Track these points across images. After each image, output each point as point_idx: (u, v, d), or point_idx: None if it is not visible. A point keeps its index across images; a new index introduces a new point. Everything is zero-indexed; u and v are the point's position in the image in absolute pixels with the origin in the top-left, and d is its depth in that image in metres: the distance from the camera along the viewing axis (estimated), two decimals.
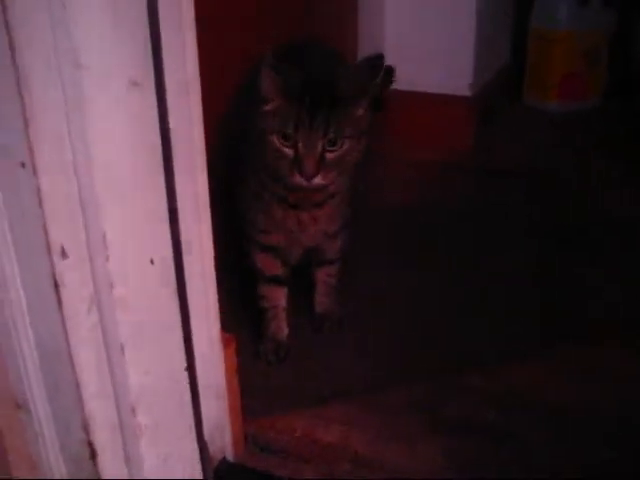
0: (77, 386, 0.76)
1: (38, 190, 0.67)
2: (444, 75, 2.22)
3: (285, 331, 1.37)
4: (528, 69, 2.60)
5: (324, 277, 1.42)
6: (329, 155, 1.09)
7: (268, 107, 1.09)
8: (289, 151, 1.09)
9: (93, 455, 0.79)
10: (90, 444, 0.79)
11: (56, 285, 0.71)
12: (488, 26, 2.27)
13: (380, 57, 1.16)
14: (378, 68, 1.13)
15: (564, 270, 1.60)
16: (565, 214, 1.85)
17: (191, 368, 0.91)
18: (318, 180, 1.10)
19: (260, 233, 1.28)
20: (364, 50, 2.08)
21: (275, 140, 1.09)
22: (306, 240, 1.31)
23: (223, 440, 1.07)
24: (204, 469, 1.00)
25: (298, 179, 1.09)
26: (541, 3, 2.50)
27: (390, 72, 2.16)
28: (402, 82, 2.26)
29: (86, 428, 0.78)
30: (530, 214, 1.86)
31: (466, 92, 2.22)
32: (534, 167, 2.12)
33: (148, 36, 0.73)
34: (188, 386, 0.91)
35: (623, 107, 2.48)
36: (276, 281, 1.35)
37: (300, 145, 1.08)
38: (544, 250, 1.69)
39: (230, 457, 1.10)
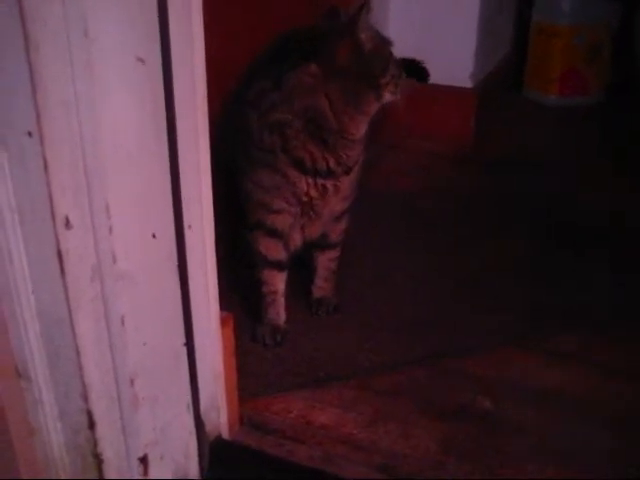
0: (77, 355, 0.77)
1: (44, 159, 0.68)
2: (445, 66, 2.23)
3: (283, 316, 1.38)
4: (529, 62, 2.61)
5: (325, 262, 1.43)
6: None
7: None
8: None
9: (91, 424, 0.81)
10: (89, 413, 0.80)
11: (60, 255, 0.72)
12: (490, 18, 2.27)
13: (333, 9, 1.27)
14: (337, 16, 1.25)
15: (560, 259, 1.62)
16: (559, 205, 1.86)
17: (189, 344, 0.93)
18: None
19: (271, 214, 1.29)
20: None
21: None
22: (319, 222, 1.34)
23: (219, 418, 1.08)
24: (200, 445, 1.01)
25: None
26: None
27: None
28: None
29: (85, 397, 0.79)
30: (527, 204, 1.87)
31: (467, 83, 2.23)
32: (532, 159, 2.13)
33: (156, 15, 0.74)
34: (186, 361, 0.92)
35: (626, 103, 2.48)
36: (277, 266, 1.35)
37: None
38: (540, 238, 1.71)
39: (225, 435, 1.11)
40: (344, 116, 1.20)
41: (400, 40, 2.20)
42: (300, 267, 1.44)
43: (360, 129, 1.24)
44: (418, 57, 2.21)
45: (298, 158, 1.23)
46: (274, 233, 1.32)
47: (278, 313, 1.37)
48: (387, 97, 1.23)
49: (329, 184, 1.27)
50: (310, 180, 1.25)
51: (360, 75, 1.19)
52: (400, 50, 2.19)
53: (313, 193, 1.27)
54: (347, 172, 1.28)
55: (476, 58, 2.22)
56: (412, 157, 2.10)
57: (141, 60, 0.75)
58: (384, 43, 1.24)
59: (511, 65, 2.64)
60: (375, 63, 1.20)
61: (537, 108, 2.56)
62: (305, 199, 1.27)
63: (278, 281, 1.36)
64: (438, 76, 2.22)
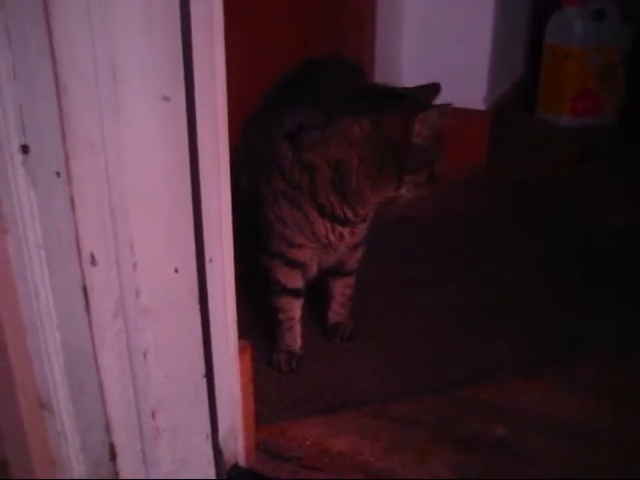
0: (100, 388, 0.78)
1: (71, 198, 0.70)
2: (458, 88, 2.22)
3: (299, 342, 1.39)
4: (542, 84, 2.62)
5: (342, 288, 1.44)
6: None
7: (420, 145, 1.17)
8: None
9: (113, 456, 0.81)
10: (111, 445, 0.81)
11: (85, 290, 0.73)
12: (503, 40, 2.29)
13: (437, 85, 1.26)
14: (434, 94, 1.25)
15: (574, 281, 1.62)
16: (574, 228, 1.86)
17: (209, 374, 0.93)
18: None
19: (290, 247, 1.30)
20: (381, 63, 2.10)
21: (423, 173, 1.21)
22: (332, 256, 1.35)
23: (236, 446, 1.09)
24: (218, 473, 1.02)
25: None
26: (556, 18, 2.52)
27: None
28: None
29: (107, 429, 0.80)
30: (541, 227, 1.88)
31: (480, 106, 2.24)
32: (546, 181, 2.14)
33: (181, 55, 0.75)
34: (206, 391, 0.93)
35: (639, 124, 2.48)
36: (295, 293, 1.36)
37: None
38: (554, 261, 1.71)
39: (242, 463, 1.11)
40: (365, 183, 1.19)
41: (413, 63, 2.25)
42: (315, 292, 1.45)
43: (375, 201, 1.24)
44: (431, 79, 2.24)
45: (320, 202, 1.23)
46: (294, 264, 1.33)
47: (294, 339, 1.38)
48: (403, 191, 1.21)
49: (345, 232, 1.28)
50: (328, 224, 1.26)
51: (394, 158, 1.17)
52: (414, 73, 2.24)
53: (330, 237, 1.28)
54: (363, 221, 1.30)
55: (489, 80, 2.24)
56: None
57: (166, 98, 0.77)
58: (431, 149, 1.20)
59: (524, 87, 2.65)
60: (412, 158, 1.18)
61: (550, 129, 2.56)
62: (324, 240, 1.29)
63: (295, 308, 1.37)
64: (451, 98, 2.23)
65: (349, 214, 1.25)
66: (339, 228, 1.27)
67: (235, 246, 0.97)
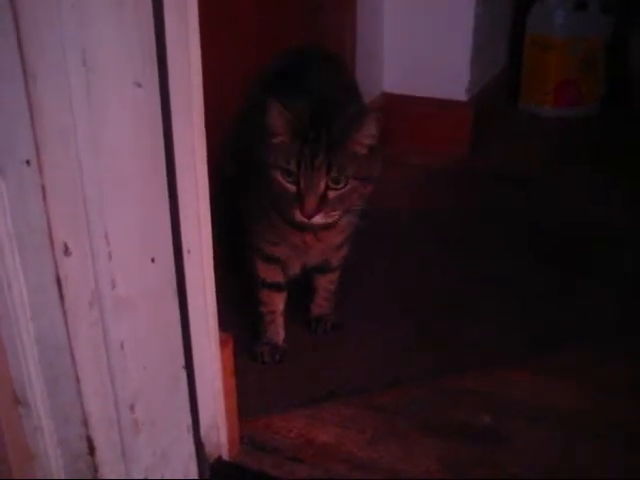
0: (77, 381, 0.77)
1: (42, 187, 0.68)
2: (440, 79, 2.24)
3: (282, 335, 1.38)
4: (524, 75, 2.62)
5: (325, 283, 1.43)
6: (331, 194, 1.09)
7: (275, 140, 1.09)
8: (291, 187, 1.09)
9: (91, 450, 0.80)
10: (89, 439, 0.80)
11: (58, 281, 0.72)
12: (485, 31, 2.29)
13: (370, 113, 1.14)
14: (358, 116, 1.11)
15: (557, 276, 1.62)
16: (556, 220, 1.86)
17: (189, 366, 0.92)
18: (318, 219, 1.09)
19: (266, 243, 1.29)
20: (362, 55, 2.09)
21: (278, 175, 1.09)
22: (312, 256, 1.33)
23: (219, 439, 1.08)
24: (200, 467, 1.01)
25: (298, 216, 1.09)
26: (537, 9, 2.52)
27: None
28: (399, 86, 2.28)
29: (85, 423, 0.79)
30: (523, 218, 1.87)
31: (462, 97, 2.24)
32: (529, 172, 2.14)
33: (153, 39, 0.74)
34: (186, 383, 0.92)
35: (620, 114, 2.50)
36: (276, 288, 1.35)
37: (302, 182, 1.07)
38: (536, 252, 1.71)
39: (225, 456, 1.10)
40: None
41: (395, 54, 2.25)
42: (299, 285, 1.44)
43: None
44: (412, 69, 2.25)
45: (273, 202, 1.17)
46: (271, 259, 1.31)
47: (277, 332, 1.37)
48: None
49: (308, 237, 1.22)
50: (289, 228, 1.20)
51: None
52: (395, 64, 2.24)
53: (295, 241, 1.24)
54: (326, 227, 1.19)
55: (471, 72, 2.24)
56: (407, 172, 2.10)
57: (139, 84, 0.75)
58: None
59: (507, 78, 2.65)
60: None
61: (532, 120, 2.57)
62: (291, 243, 1.25)
63: (277, 301, 1.36)
64: (434, 90, 2.23)
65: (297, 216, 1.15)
66: (299, 233, 1.21)
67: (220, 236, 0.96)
